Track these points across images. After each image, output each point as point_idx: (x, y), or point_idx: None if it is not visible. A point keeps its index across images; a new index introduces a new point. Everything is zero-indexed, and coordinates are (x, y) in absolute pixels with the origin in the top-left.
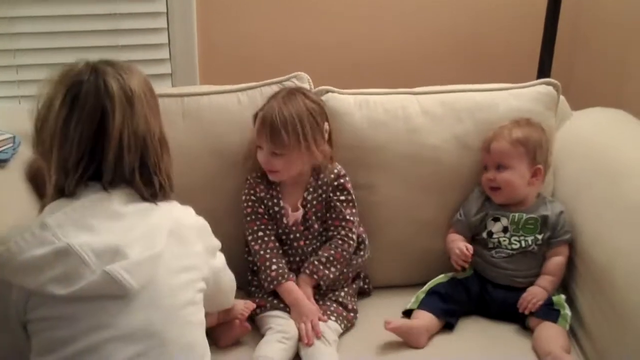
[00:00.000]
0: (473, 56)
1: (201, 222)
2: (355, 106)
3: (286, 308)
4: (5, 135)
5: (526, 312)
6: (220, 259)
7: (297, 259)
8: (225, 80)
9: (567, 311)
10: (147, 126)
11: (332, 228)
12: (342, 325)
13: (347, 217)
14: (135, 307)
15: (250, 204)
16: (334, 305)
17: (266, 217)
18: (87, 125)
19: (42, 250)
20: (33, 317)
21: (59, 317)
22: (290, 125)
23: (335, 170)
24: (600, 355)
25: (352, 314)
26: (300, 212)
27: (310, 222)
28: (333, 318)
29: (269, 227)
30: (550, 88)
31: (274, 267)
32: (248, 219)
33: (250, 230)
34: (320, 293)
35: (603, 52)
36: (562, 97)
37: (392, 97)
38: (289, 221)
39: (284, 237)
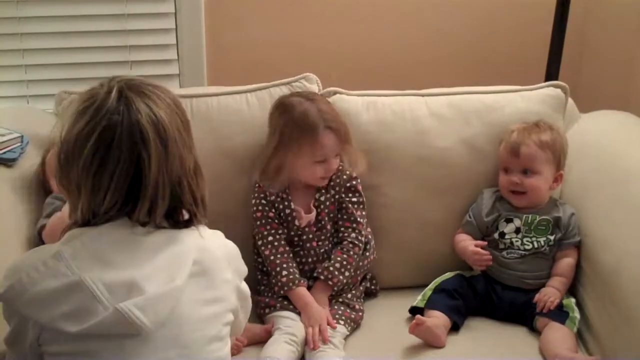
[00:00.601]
0: (481, 59)
1: (230, 247)
2: (363, 108)
3: (296, 309)
4: (13, 135)
5: (544, 311)
6: (245, 286)
7: (310, 260)
8: (233, 81)
9: (576, 314)
10: (181, 166)
11: (342, 229)
12: (349, 327)
13: (358, 219)
14: (153, 346)
15: (260, 208)
16: (342, 307)
17: (276, 221)
18: (122, 176)
19: (54, 284)
20: (47, 351)
21: (74, 353)
22: (340, 120)
23: (348, 172)
24: (607, 357)
25: (359, 314)
26: (314, 213)
27: (323, 223)
28: (342, 322)
29: (279, 232)
30: (559, 90)
31: (284, 272)
32: (258, 223)
33: (260, 235)
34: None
35: (610, 54)
36: (569, 100)
37: (400, 98)
38: (301, 223)
39: (296, 239)
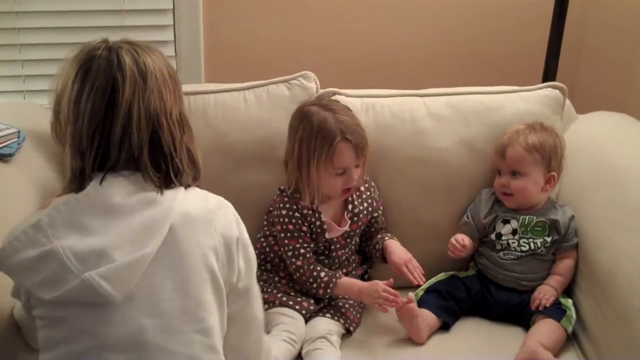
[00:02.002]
0: (479, 59)
1: (222, 210)
2: (362, 110)
3: (295, 306)
4: (10, 130)
5: (540, 309)
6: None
7: (333, 267)
8: (231, 78)
9: (573, 314)
10: (161, 103)
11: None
12: (346, 326)
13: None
14: (124, 315)
15: (293, 221)
16: (340, 304)
17: (308, 235)
18: (97, 98)
19: (32, 253)
20: (34, 314)
21: (51, 318)
22: (361, 129)
23: (373, 183)
24: (601, 358)
25: (357, 316)
26: (347, 225)
27: (352, 234)
28: (342, 321)
29: (311, 244)
30: (557, 91)
31: (322, 274)
32: (289, 234)
33: (290, 247)
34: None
35: (608, 56)
36: (567, 101)
37: (399, 99)
38: (332, 235)
39: (322, 247)
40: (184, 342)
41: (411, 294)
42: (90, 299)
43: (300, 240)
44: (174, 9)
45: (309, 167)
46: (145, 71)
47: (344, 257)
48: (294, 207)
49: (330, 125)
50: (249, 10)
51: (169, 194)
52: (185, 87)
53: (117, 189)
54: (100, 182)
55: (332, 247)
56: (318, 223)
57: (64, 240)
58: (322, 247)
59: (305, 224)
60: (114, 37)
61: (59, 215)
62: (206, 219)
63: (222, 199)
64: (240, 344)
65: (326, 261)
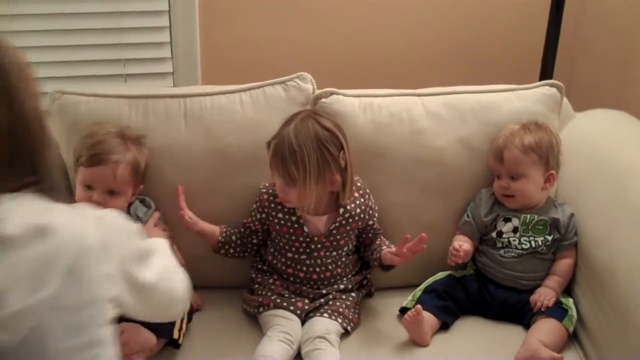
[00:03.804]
0: (476, 57)
1: (120, 230)
2: (360, 110)
3: (289, 307)
4: None
5: (543, 310)
6: (155, 270)
7: (317, 269)
8: (227, 80)
9: (574, 313)
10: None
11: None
12: (344, 325)
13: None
14: (14, 357)
15: (259, 204)
16: (337, 304)
17: (257, 225)
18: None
19: None
20: None
21: None
22: (299, 158)
23: (367, 190)
24: (601, 356)
25: (356, 316)
26: (331, 222)
27: (340, 237)
28: (340, 320)
29: (257, 234)
30: (554, 89)
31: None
32: (251, 210)
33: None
34: (324, 294)
35: (605, 53)
36: (564, 99)
37: (396, 99)
38: (311, 229)
39: (304, 245)
40: None
41: (419, 306)
42: None
43: (249, 219)
44: (169, 11)
45: None
46: (27, 67)
47: (328, 260)
48: (270, 190)
49: (280, 134)
50: (245, 11)
51: (57, 218)
52: (181, 90)
53: (8, 215)
54: None
55: (313, 246)
56: (294, 218)
57: None
58: (304, 244)
59: (273, 213)
60: (111, 39)
61: None
62: (105, 242)
63: (108, 212)
64: None
65: (308, 261)
